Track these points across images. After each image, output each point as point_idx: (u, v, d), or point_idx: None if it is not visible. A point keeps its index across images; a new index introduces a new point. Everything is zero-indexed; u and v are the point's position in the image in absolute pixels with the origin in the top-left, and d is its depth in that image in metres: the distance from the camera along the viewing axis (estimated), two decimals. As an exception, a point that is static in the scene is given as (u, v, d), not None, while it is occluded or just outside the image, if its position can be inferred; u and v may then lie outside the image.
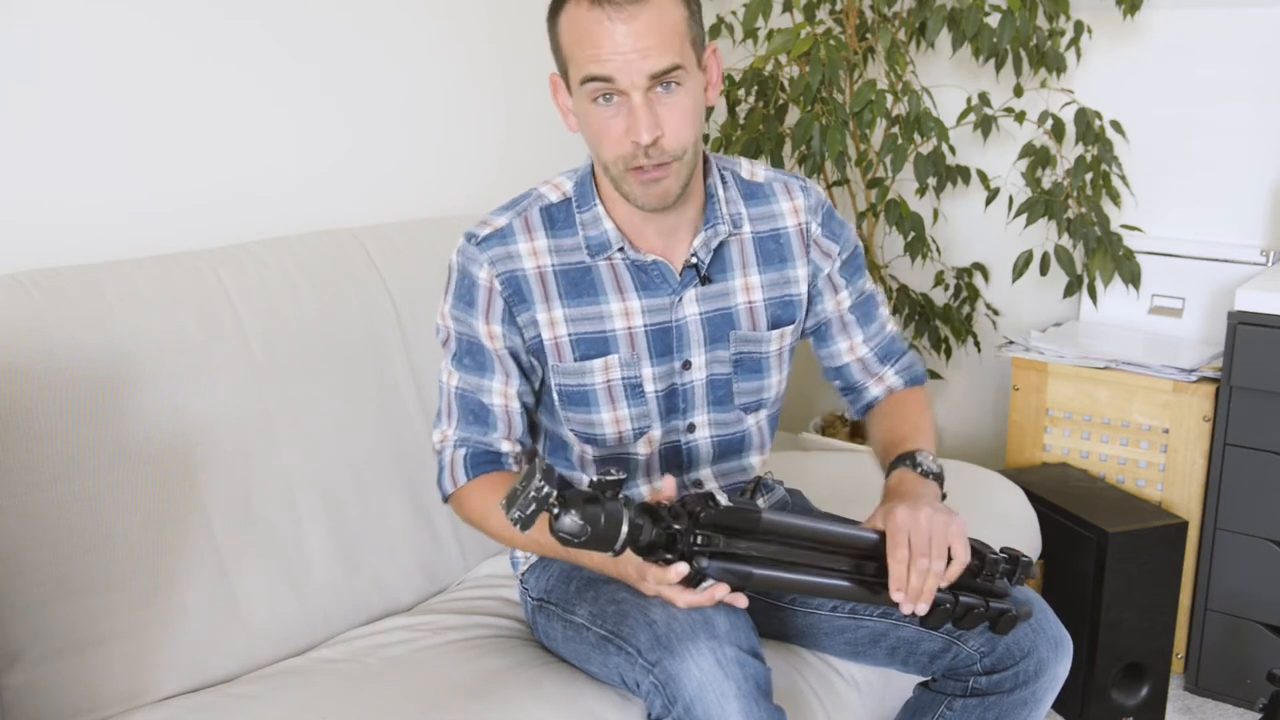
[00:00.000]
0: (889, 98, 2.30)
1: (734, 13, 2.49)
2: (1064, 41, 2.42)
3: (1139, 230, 2.49)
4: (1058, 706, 2.15)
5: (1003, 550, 1.28)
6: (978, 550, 1.25)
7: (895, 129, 2.35)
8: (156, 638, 1.41)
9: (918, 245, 2.43)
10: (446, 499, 1.42)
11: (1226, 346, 2.07)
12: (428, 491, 1.71)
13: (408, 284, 1.78)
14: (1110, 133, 2.41)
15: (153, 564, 1.42)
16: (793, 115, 2.49)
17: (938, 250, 2.66)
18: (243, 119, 1.81)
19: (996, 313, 2.74)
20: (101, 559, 1.38)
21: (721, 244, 1.41)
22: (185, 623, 1.44)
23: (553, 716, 1.30)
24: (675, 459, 1.46)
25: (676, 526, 1.12)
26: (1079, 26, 2.41)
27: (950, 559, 1.20)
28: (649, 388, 1.40)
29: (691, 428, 1.45)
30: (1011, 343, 2.48)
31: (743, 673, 1.17)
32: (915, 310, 2.64)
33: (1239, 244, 2.43)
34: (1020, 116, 2.40)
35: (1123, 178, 2.44)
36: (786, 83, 2.42)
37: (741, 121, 2.47)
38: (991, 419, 2.89)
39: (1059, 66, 2.40)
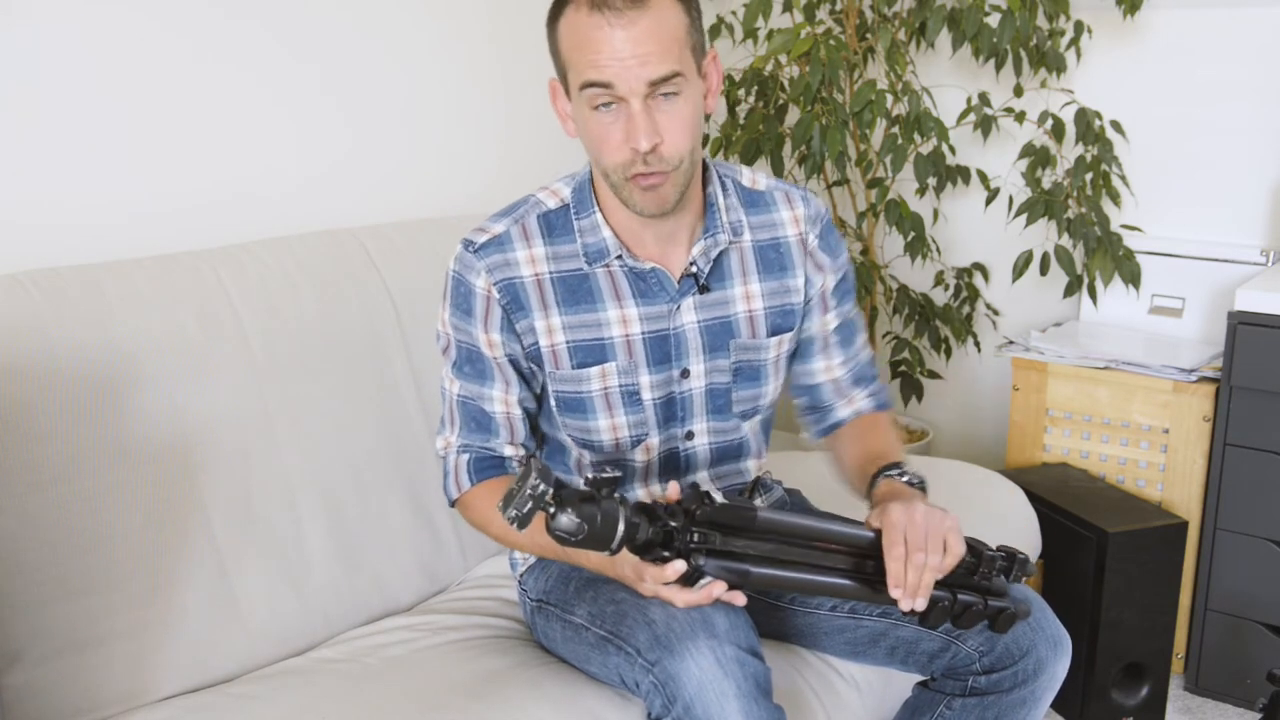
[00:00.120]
0: (889, 98, 2.30)
1: (734, 13, 2.49)
2: (1064, 41, 2.42)
3: (1139, 230, 2.49)
4: (1058, 706, 2.15)
5: (999, 549, 1.28)
6: (974, 548, 1.25)
7: (895, 129, 2.35)
8: (156, 638, 1.41)
9: (918, 245, 2.43)
10: (453, 504, 1.42)
11: (1226, 346, 2.07)
12: (428, 491, 1.71)
13: (408, 284, 1.78)
14: (1110, 133, 2.41)
15: (153, 564, 1.42)
16: (793, 115, 2.49)
17: (938, 250, 2.66)
18: (243, 119, 1.81)
19: (996, 313, 2.74)
20: (101, 559, 1.38)
21: (721, 253, 1.40)
22: (185, 623, 1.44)
23: (553, 716, 1.30)
24: (673, 465, 1.46)
25: (673, 524, 1.12)
26: (1079, 26, 2.42)
27: (946, 554, 1.20)
28: (646, 396, 1.40)
29: (690, 435, 1.45)
30: (1011, 343, 2.48)
31: (742, 672, 1.18)
32: (915, 310, 2.64)
33: (1239, 244, 2.43)
34: (1020, 116, 2.40)
35: (1123, 178, 2.44)
36: (786, 83, 2.42)
37: (741, 122, 2.47)
38: (991, 419, 2.89)
39: (1059, 66, 2.40)
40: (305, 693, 1.41)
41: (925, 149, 2.38)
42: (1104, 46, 2.52)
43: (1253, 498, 2.10)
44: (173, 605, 1.43)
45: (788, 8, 2.37)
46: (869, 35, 2.44)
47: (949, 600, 1.24)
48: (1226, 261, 2.40)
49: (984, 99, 2.42)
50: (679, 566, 1.12)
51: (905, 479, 1.34)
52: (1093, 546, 2.06)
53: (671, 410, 1.42)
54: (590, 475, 1.09)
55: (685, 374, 1.41)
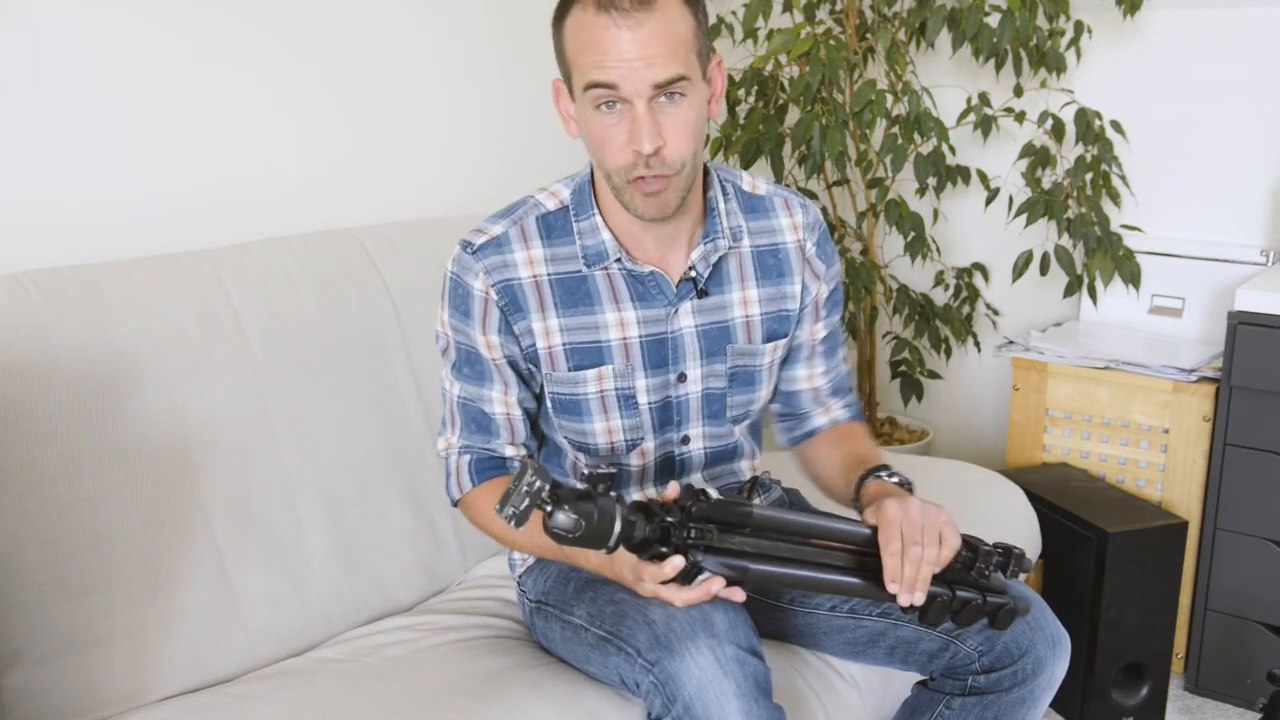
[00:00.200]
0: (889, 98, 2.30)
1: (734, 13, 2.49)
2: (1064, 41, 2.42)
3: (1139, 230, 2.49)
4: (1058, 706, 2.15)
5: (996, 545, 1.28)
6: (970, 543, 1.26)
7: (895, 129, 2.35)
8: (156, 638, 1.41)
9: (918, 245, 2.43)
10: (455, 504, 1.43)
11: (1226, 346, 2.07)
12: (428, 491, 1.71)
13: (408, 284, 1.78)
14: (1110, 133, 2.41)
15: (153, 564, 1.42)
16: (793, 115, 2.49)
17: (938, 250, 2.66)
18: (243, 119, 1.81)
19: (996, 313, 2.74)
20: (101, 559, 1.38)
21: (720, 258, 1.40)
22: (185, 623, 1.44)
23: (553, 716, 1.31)
24: (669, 469, 1.46)
25: (670, 520, 1.12)
26: (1079, 26, 2.42)
27: (942, 547, 1.20)
28: (642, 399, 1.39)
29: (686, 440, 1.45)
30: (1011, 343, 2.48)
31: (742, 671, 1.18)
32: (915, 310, 2.64)
33: (1239, 244, 2.43)
34: (1020, 116, 2.40)
35: (1123, 178, 2.44)
36: (786, 83, 2.42)
37: (741, 121, 2.47)
38: (991, 419, 2.89)
39: (1059, 66, 2.40)
40: (305, 693, 1.41)
41: (925, 149, 2.38)
42: (1104, 46, 2.53)
43: (1253, 498, 2.10)
44: (173, 605, 1.43)
45: (788, 8, 2.37)
46: (869, 35, 2.44)
47: (948, 596, 1.24)
48: (1226, 261, 2.41)
49: (984, 99, 2.42)
50: (677, 562, 1.12)
51: (894, 480, 1.35)
52: (1093, 546, 2.06)
53: (667, 414, 1.42)
54: (585, 470, 1.09)
55: (682, 378, 1.41)
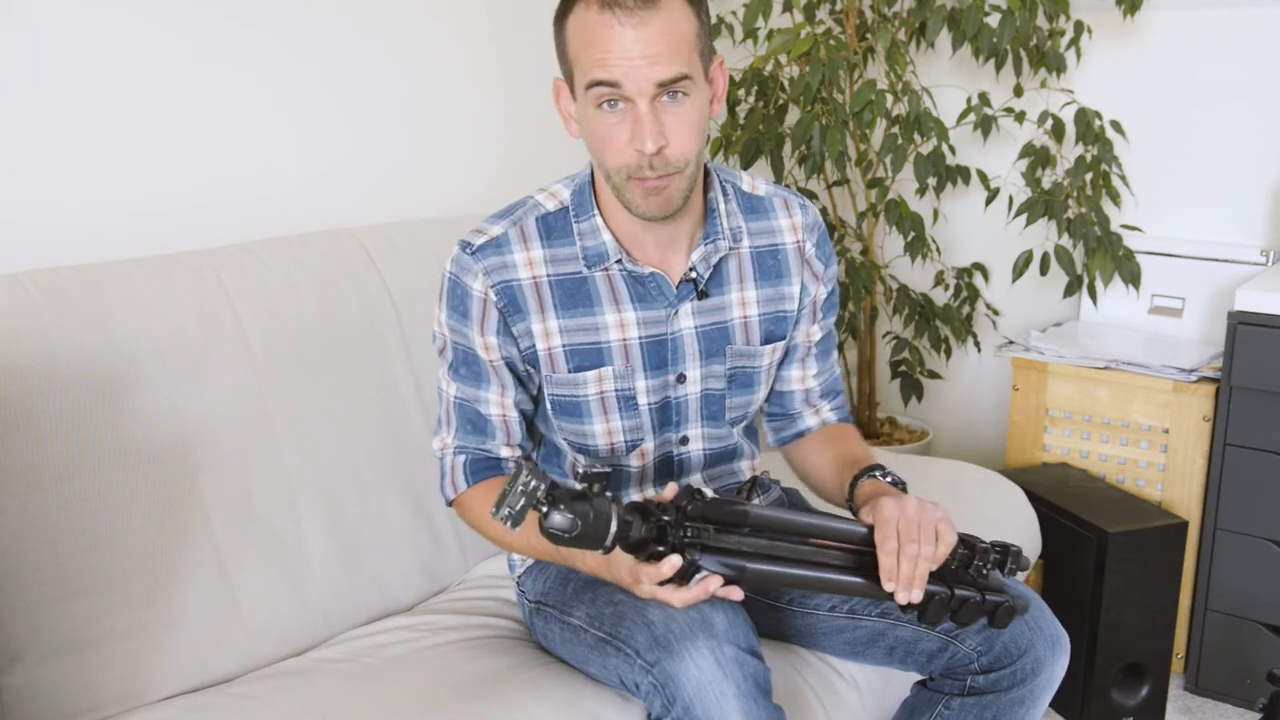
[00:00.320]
0: (889, 98, 2.30)
1: (734, 13, 2.49)
2: (1064, 41, 2.42)
3: (1139, 230, 2.49)
4: (1057, 706, 2.15)
5: (993, 543, 1.28)
6: (968, 541, 1.25)
7: (895, 129, 2.35)
8: (156, 638, 1.41)
9: (918, 245, 2.43)
10: (449, 504, 1.43)
11: (1226, 346, 2.07)
12: (428, 491, 1.71)
13: (408, 284, 1.78)
14: (1110, 133, 2.41)
15: (153, 564, 1.42)
16: (793, 115, 2.49)
17: (938, 250, 2.66)
18: (243, 119, 1.82)
19: (996, 313, 2.74)
20: (101, 559, 1.38)
21: (721, 259, 1.40)
22: (185, 623, 1.44)
23: (553, 716, 1.31)
24: (668, 469, 1.46)
25: (666, 519, 1.12)
26: (1079, 26, 2.42)
27: (938, 543, 1.20)
28: (642, 400, 1.39)
29: (685, 440, 1.45)
30: (1011, 343, 2.48)
31: (742, 672, 1.18)
32: (915, 310, 2.65)
33: (1239, 244, 2.43)
34: (1020, 116, 2.40)
35: (1123, 178, 2.44)
36: (786, 83, 2.42)
37: (741, 121, 2.47)
38: (991, 419, 2.89)
39: (1059, 66, 2.40)
40: (305, 693, 1.41)
41: (925, 149, 2.38)
42: (1104, 46, 2.53)
43: (1253, 498, 2.10)
44: (173, 605, 1.43)
45: (788, 8, 2.37)
46: (869, 35, 2.44)
47: (946, 595, 1.24)
48: (1226, 261, 2.41)
49: (984, 99, 2.42)
50: (675, 561, 1.12)
51: (888, 480, 1.35)
52: (1093, 546, 2.06)
53: (667, 415, 1.42)
54: (581, 470, 1.09)
55: (681, 379, 1.41)
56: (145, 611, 1.41)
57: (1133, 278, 2.39)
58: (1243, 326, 2.04)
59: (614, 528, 1.09)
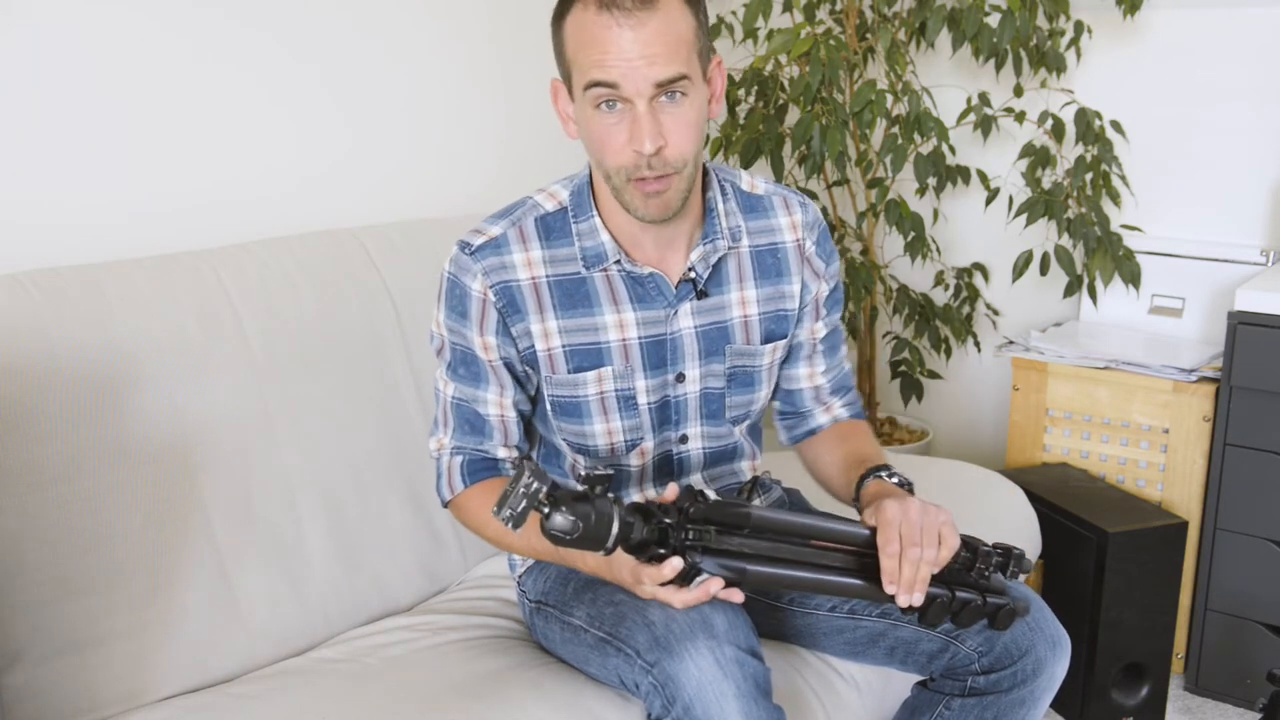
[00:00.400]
0: (889, 98, 2.30)
1: (734, 13, 2.49)
2: (1064, 41, 2.42)
3: (1139, 230, 2.49)
4: (1057, 706, 2.15)
5: (996, 545, 1.28)
6: (970, 543, 1.25)
7: (895, 129, 2.35)
8: (156, 638, 1.41)
9: (918, 245, 2.43)
10: (446, 505, 1.42)
11: (1226, 346, 2.07)
12: (428, 491, 1.71)
13: (408, 284, 1.78)
14: (1110, 133, 2.41)
15: (153, 564, 1.42)
16: (793, 115, 2.49)
17: (938, 250, 2.66)
18: (243, 119, 1.81)
19: (996, 313, 2.74)
20: (101, 559, 1.38)
21: (720, 258, 1.40)
22: (185, 623, 1.44)
23: (553, 716, 1.30)
24: (668, 469, 1.46)
25: (668, 521, 1.12)
26: (1079, 26, 2.42)
27: (941, 547, 1.20)
28: (642, 400, 1.39)
29: (684, 439, 1.45)
30: (1011, 343, 2.48)
31: (742, 672, 1.18)
32: (915, 310, 2.64)
33: (1239, 244, 2.43)
34: (1020, 116, 2.40)
35: (1123, 178, 2.44)
36: (786, 83, 2.42)
37: (741, 121, 2.47)
38: (991, 419, 2.89)
39: (1059, 66, 2.40)
40: (305, 693, 1.41)
41: (925, 149, 2.38)
42: (1104, 46, 2.52)
43: (1253, 498, 2.10)
44: (173, 605, 1.43)
45: (788, 8, 2.37)
46: (869, 35, 2.44)
47: (947, 597, 1.24)
48: (1226, 261, 2.41)
49: (984, 99, 2.42)
50: (676, 564, 1.12)
51: (894, 480, 1.35)
52: (1093, 546, 2.06)
53: (666, 414, 1.42)
54: (583, 472, 1.09)
55: (680, 378, 1.41)
56: (145, 611, 1.41)
57: (1133, 278, 2.39)
58: (1243, 326, 2.04)
59: (615, 529, 1.08)
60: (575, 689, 1.36)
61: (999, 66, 2.37)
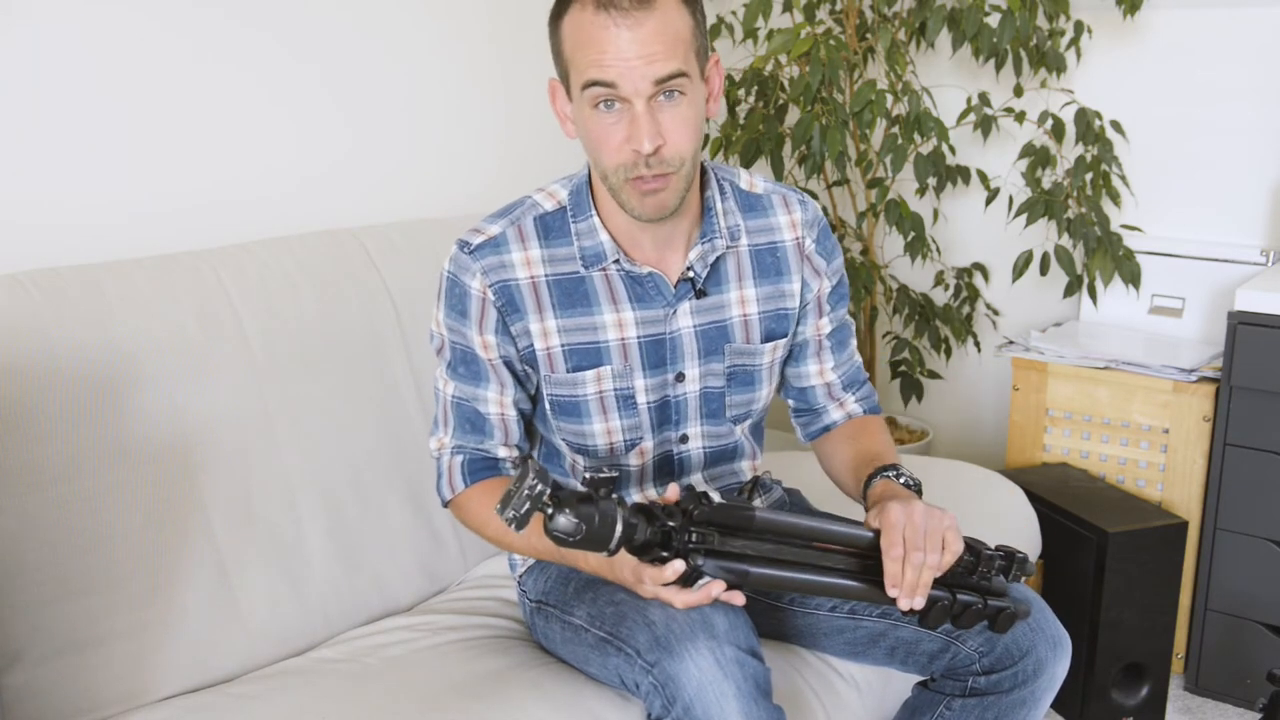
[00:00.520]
0: (889, 98, 2.30)
1: (734, 13, 2.49)
2: (1064, 41, 2.42)
3: (1139, 230, 2.49)
4: (1058, 706, 2.15)
5: (998, 548, 1.28)
6: (973, 546, 1.25)
7: (895, 129, 2.35)
8: (156, 638, 1.41)
9: (918, 245, 2.43)
10: (446, 504, 1.42)
11: (1226, 346, 2.07)
12: (428, 491, 1.71)
13: (408, 284, 1.78)
14: (1110, 133, 2.41)
15: (153, 564, 1.42)
16: (793, 115, 2.49)
17: (938, 250, 2.66)
18: (243, 119, 1.81)
19: (996, 313, 2.74)
20: (101, 559, 1.38)
21: (718, 258, 1.40)
22: (185, 623, 1.44)
23: (553, 716, 1.31)
24: (668, 468, 1.46)
25: (671, 524, 1.12)
26: (1079, 26, 2.42)
27: (945, 552, 1.20)
28: (641, 399, 1.39)
29: (684, 439, 1.45)
30: (1011, 343, 2.48)
31: (742, 672, 1.18)
32: (915, 310, 2.64)
33: (1239, 244, 2.43)
34: (1020, 116, 2.40)
35: (1123, 178, 2.44)
36: (786, 83, 2.42)
37: (741, 121, 2.47)
38: (991, 419, 2.89)
39: (1059, 66, 2.40)
40: (305, 693, 1.41)
41: (925, 149, 2.38)
42: (1104, 46, 2.52)
43: (1253, 498, 2.10)
44: (173, 605, 1.43)
45: (788, 8, 2.37)
46: (869, 35, 2.44)
47: (948, 600, 1.24)
48: (1226, 261, 2.40)
49: (984, 99, 2.42)
50: (678, 566, 1.12)
51: (901, 480, 1.34)
52: (1093, 546, 2.06)
53: (666, 414, 1.42)
54: (587, 475, 1.09)
55: (680, 378, 1.41)
56: (145, 611, 1.41)
57: (1133, 278, 2.39)
58: (1243, 326, 2.04)
59: (619, 531, 1.08)
60: (575, 689, 1.36)
61: (999, 66, 2.37)
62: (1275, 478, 2.07)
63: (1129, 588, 2.06)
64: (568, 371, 1.37)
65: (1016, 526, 1.95)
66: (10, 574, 1.32)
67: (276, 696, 1.40)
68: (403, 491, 1.70)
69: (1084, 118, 2.37)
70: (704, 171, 1.40)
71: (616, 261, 1.35)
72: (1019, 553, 1.28)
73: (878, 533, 1.22)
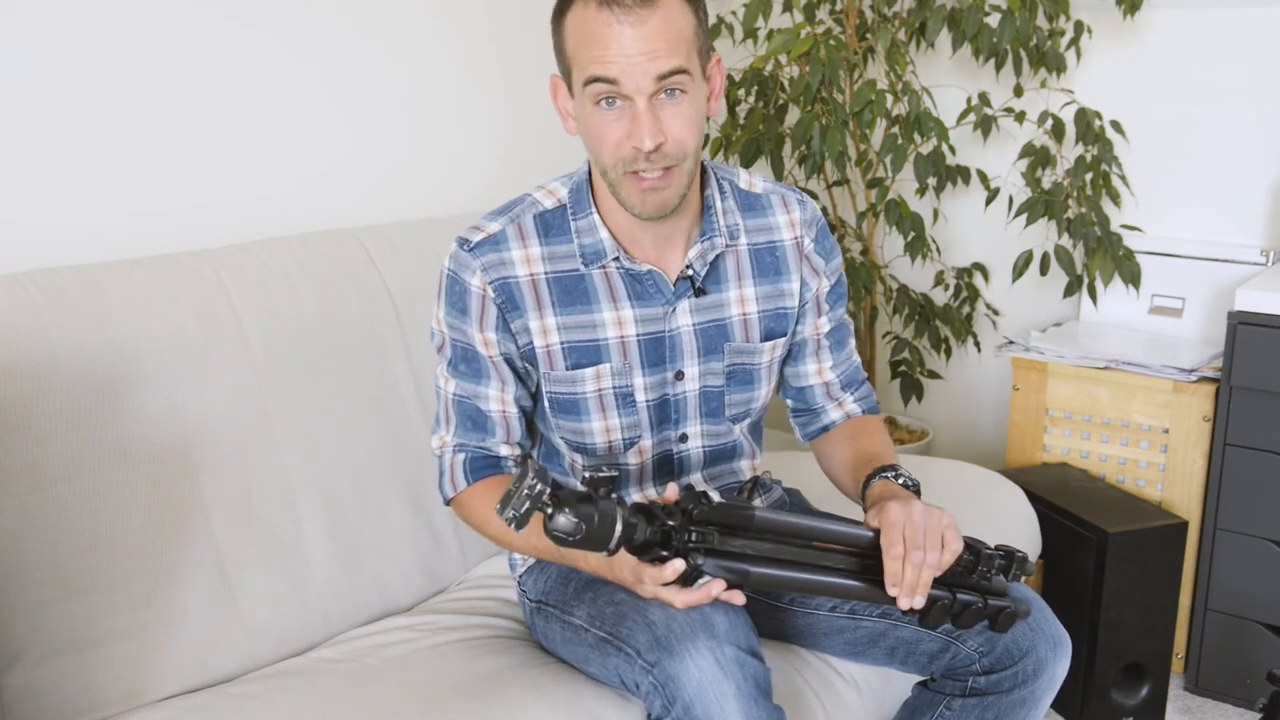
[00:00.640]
0: (889, 98, 2.30)
1: (734, 13, 2.49)
2: (1064, 41, 2.42)
3: (1139, 230, 2.49)
4: (1058, 706, 2.15)
5: (998, 547, 1.28)
6: (973, 546, 1.25)
7: (895, 129, 2.35)
8: (156, 638, 1.41)
9: (918, 245, 2.43)
10: (448, 503, 1.42)
11: (1226, 346, 2.07)
12: (428, 491, 1.71)
13: (408, 284, 1.78)
14: (1110, 133, 2.41)
15: (153, 564, 1.42)
16: (793, 115, 2.49)
17: (938, 250, 2.66)
18: (243, 119, 1.81)
19: (996, 313, 2.74)
20: (101, 559, 1.38)
21: (718, 256, 1.40)
22: (185, 623, 1.44)
23: (553, 716, 1.31)
24: (667, 468, 1.46)
25: (670, 523, 1.12)
26: (1079, 26, 2.42)
27: (944, 551, 1.20)
28: (640, 397, 1.39)
29: (684, 438, 1.45)
30: (1011, 343, 2.48)
31: (742, 672, 1.18)
32: (915, 310, 2.64)
33: (1239, 244, 2.43)
34: (1020, 116, 2.40)
35: (1123, 178, 2.44)
36: (786, 83, 2.42)
37: (741, 121, 2.47)
38: (991, 419, 2.89)
39: (1059, 66, 2.40)
40: (305, 693, 1.41)
41: (925, 149, 2.38)
42: (1104, 46, 2.52)
43: (1253, 498, 2.10)
44: (173, 605, 1.43)
45: (788, 8, 2.37)
46: (869, 35, 2.44)
47: (948, 599, 1.24)
48: (1226, 261, 2.40)
49: (984, 99, 2.42)
50: (678, 566, 1.12)
51: (900, 481, 1.34)
52: (1093, 546, 2.06)
53: (665, 412, 1.42)
54: (587, 475, 1.09)
55: (679, 376, 1.41)
56: (145, 611, 1.41)
57: (1133, 278, 2.39)
58: (1243, 326, 2.04)
59: (619, 531, 1.08)
60: (575, 689, 1.36)
61: (999, 66, 2.37)
62: (1275, 478, 2.07)
63: (1129, 588, 2.06)
64: (567, 369, 1.37)
65: (1016, 526, 1.95)
66: (10, 574, 1.32)
67: (276, 696, 1.40)
68: (403, 491, 1.70)
69: (1084, 118, 2.37)
70: (704, 171, 1.40)
71: (616, 259, 1.35)
72: (1018, 552, 1.28)
73: (877, 532, 1.22)
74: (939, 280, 2.73)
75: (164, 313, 1.50)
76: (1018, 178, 2.47)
